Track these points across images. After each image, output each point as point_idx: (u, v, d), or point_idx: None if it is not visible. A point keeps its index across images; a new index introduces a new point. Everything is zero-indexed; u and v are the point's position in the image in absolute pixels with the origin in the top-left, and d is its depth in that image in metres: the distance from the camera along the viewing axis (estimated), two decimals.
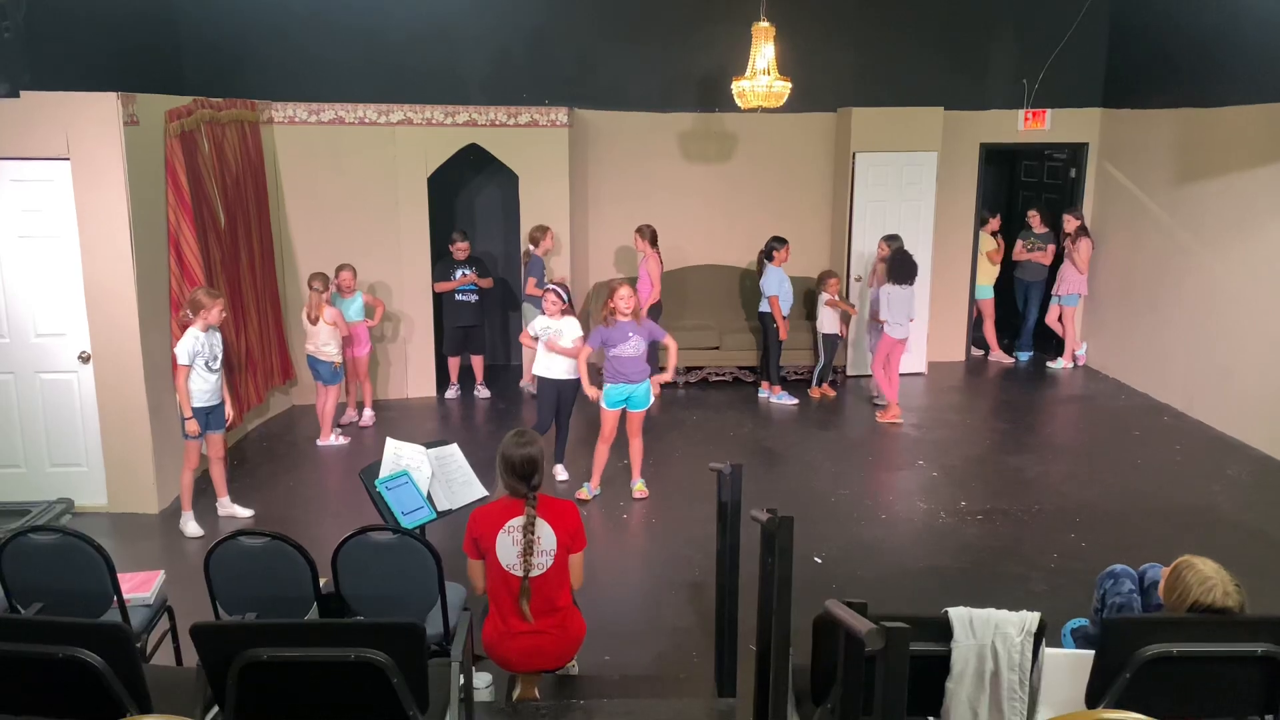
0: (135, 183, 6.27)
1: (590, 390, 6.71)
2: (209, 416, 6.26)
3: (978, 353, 10.60)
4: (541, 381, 6.98)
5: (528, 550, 3.89)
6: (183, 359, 6.10)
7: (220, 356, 6.26)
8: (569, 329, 6.86)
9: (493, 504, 4.07)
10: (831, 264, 9.96)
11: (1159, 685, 2.85)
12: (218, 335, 6.25)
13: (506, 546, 3.92)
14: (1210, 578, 3.10)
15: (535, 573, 3.93)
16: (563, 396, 6.95)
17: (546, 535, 3.93)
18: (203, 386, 6.17)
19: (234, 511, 6.52)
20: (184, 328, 6.22)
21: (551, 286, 7.02)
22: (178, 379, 6.14)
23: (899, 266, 8.34)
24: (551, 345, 6.85)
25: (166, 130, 6.68)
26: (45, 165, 6.17)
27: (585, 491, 6.84)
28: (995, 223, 10.39)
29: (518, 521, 3.91)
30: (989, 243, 10.32)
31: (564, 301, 6.92)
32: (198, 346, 6.11)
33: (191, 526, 6.30)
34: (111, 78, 7.06)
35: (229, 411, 6.45)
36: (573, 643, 4.16)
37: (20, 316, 6.39)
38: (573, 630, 4.13)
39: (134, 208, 6.26)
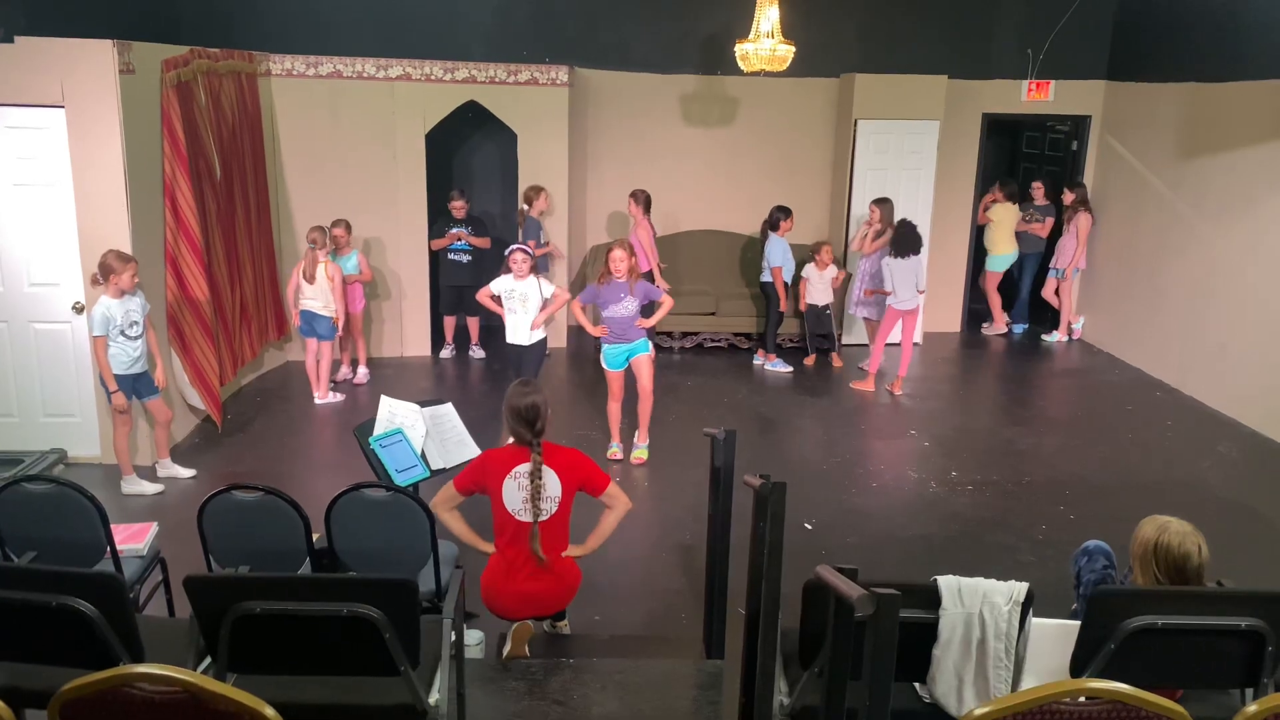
0: (131, 132, 6.21)
1: (592, 329, 6.78)
2: (136, 384, 6.08)
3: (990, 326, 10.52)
4: (508, 346, 6.97)
5: (534, 496, 3.95)
6: (96, 329, 5.83)
7: (140, 321, 5.98)
8: (533, 291, 6.73)
9: (502, 449, 4.12)
10: (830, 232, 9.92)
11: (1143, 657, 2.88)
12: (136, 300, 5.98)
13: (512, 492, 3.99)
14: (1168, 523, 3.17)
15: (542, 518, 4.01)
16: (524, 361, 6.89)
17: (552, 482, 4.01)
18: (125, 355, 5.94)
19: (175, 472, 6.41)
20: (95, 284, 5.92)
21: (520, 246, 6.87)
22: (95, 350, 5.89)
23: (901, 239, 8.30)
24: (578, 315, 6.82)
25: (163, 80, 6.60)
26: (40, 112, 6.10)
27: (616, 450, 6.93)
28: (995, 195, 10.16)
29: (524, 468, 3.98)
30: (1011, 213, 10.04)
31: (531, 258, 6.79)
32: (110, 314, 5.85)
33: (143, 485, 6.21)
34: (107, 25, 6.96)
35: (159, 376, 6.19)
36: (569, 590, 4.24)
37: (14, 266, 6.35)
38: (569, 578, 4.21)
39: (129, 158, 6.20)
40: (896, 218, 8.52)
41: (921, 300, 8.59)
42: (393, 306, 9.07)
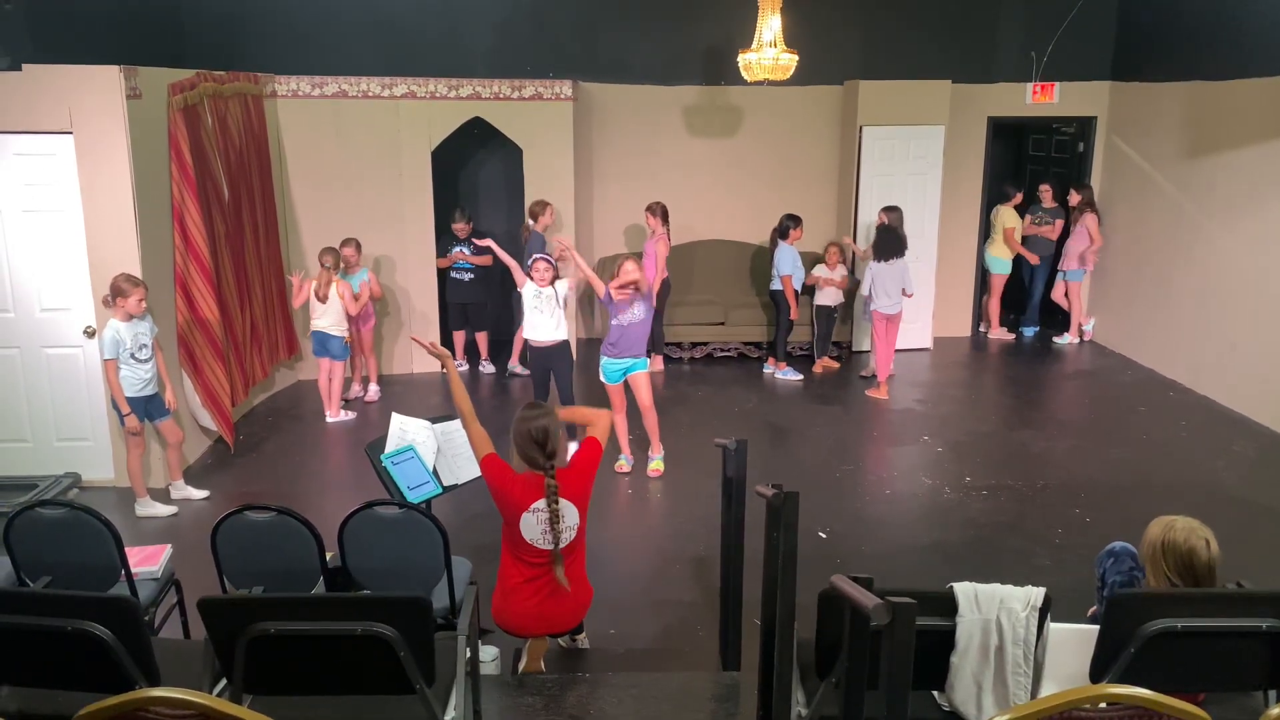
0: (138, 157, 6.24)
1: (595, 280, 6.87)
2: (148, 406, 6.11)
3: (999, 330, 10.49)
4: (528, 346, 6.98)
5: (553, 525, 3.91)
6: (107, 353, 5.89)
7: (149, 345, 6.03)
8: (557, 293, 6.85)
9: (519, 478, 3.97)
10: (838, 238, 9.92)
11: (1163, 660, 2.85)
12: (145, 324, 6.02)
13: (531, 525, 3.93)
14: (1173, 521, 3.14)
15: (562, 544, 3.97)
16: (554, 365, 6.91)
17: (570, 513, 3.96)
18: (135, 378, 5.98)
19: (188, 494, 6.43)
20: (107, 305, 5.98)
21: (541, 255, 6.99)
22: (107, 374, 5.95)
23: (881, 243, 8.33)
24: (581, 270, 6.93)
25: (169, 103, 6.64)
26: (48, 139, 6.14)
27: (625, 464, 6.95)
28: (1018, 198, 10.15)
29: (542, 504, 3.92)
30: (1012, 218, 10.06)
31: (553, 268, 6.88)
32: (120, 338, 5.90)
33: (157, 508, 6.21)
34: (114, 51, 7.01)
35: (169, 398, 6.24)
36: (582, 607, 4.20)
37: (25, 291, 6.38)
38: (582, 594, 4.17)
39: (137, 182, 6.24)
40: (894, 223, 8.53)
41: (902, 303, 8.55)
42: (403, 323, 9.09)
